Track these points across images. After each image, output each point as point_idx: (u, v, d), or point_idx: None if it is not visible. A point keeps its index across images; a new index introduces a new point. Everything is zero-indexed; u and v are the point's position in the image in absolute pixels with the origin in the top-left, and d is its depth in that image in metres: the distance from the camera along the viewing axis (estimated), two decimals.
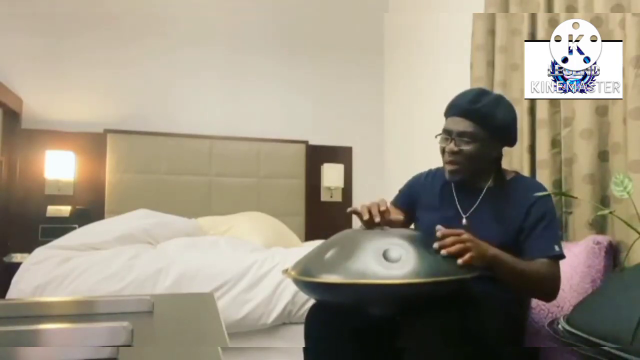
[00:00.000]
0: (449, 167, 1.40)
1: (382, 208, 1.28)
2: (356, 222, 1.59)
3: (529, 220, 1.34)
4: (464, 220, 1.42)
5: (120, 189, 3.25)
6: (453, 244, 1.16)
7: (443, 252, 1.15)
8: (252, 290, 2.16)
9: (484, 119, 1.36)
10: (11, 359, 0.63)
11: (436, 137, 1.44)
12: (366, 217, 1.26)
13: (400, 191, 1.62)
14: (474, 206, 1.42)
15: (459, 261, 1.14)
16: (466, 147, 1.36)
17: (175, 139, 3.43)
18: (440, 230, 1.20)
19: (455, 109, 1.40)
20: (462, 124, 1.37)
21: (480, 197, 1.42)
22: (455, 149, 1.37)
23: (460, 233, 1.20)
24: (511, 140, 1.46)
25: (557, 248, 1.31)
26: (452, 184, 1.48)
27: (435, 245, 1.17)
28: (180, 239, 2.61)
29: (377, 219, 1.26)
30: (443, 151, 1.42)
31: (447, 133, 1.40)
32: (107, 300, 1.04)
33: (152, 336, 0.83)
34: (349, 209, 1.34)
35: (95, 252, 2.35)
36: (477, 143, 1.36)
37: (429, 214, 1.49)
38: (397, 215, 1.43)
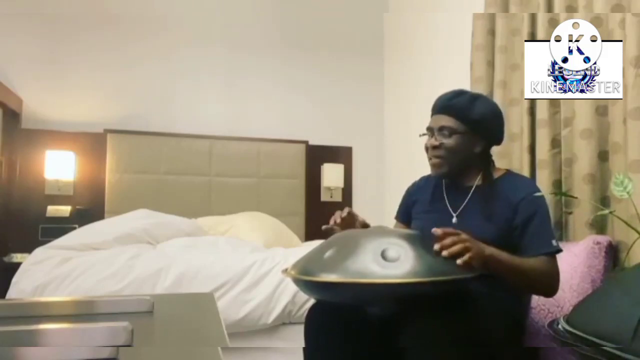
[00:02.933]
0: (431, 162, 1.46)
1: (343, 215, 1.42)
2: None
3: (520, 218, 1.34)
4: (453, 219, 1.43)
5: (120, 189, 3.25)
6: (453, 244, 1.16)
7: (444, 253, 1.15)
8: (252, 290, 2.16)
9: (461, 113, 1.41)
10: (11, 359, 0.63)
11: (420, 136, 1.50)
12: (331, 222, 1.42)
13: (399, 206, 1.66)
14: (463, 205, 1.43)
15: (459, 261, 1.14)
16: (446, 141, 1.41)
17: (175, 139, 3.43)
18: (437, 231, 1.19)
19: (435, 107, 1.47)
20: (441, 120, 1.43)
21: (469, 196, 1.44)
22: (436, 143, 1.42)
23: (458, 233, 1.20)
24: (494, 137, 1.49)
25: (554, 243, 1.32)
26: (443, 185, 1.50)
27: (436, 246, 1.17)
28: (180, 239, 2.62)
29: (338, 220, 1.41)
30: (427, 149, 1.47)
31: (429, 130, 1.46)
32: (107, 300, 1.04)
33: (152, 336, 0.83)
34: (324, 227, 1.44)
35: (95, 252, 2.35)
36: (456, 136, 1.41)
37: (421, 215, 1.53)
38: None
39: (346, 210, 1.42)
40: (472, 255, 1.15)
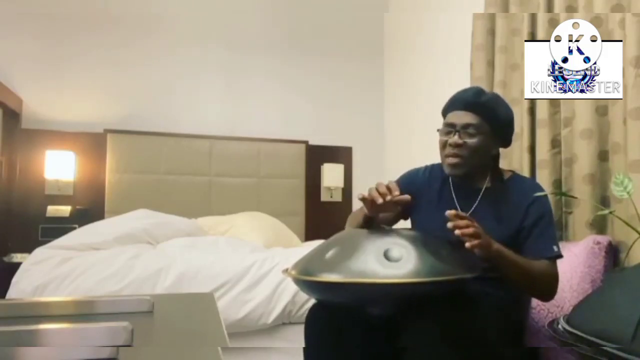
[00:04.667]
0: (450, 161, 1.39)
1: (392, 187, 1.28)
2: None
3: (528, 220, 1.34)
4: None
5: (120, 189, 3.25)
6: (467, 226, 1.15)
7: (457, 232, 1.14)
8: (252, 290, 2.16)
9: (488, 112, 1.38)
10: (11, 359, 0.63)
11: (438, 130, 1.44)
12: (380, 200, 1.26)
13: (397, 180, 1.56)
14: (473, 207, 1.42)
15: (467, 244, 1.13)
16: (470, 140, 1.36)
17: (175, 139, 3.43)
18: (451, 213, 1.17)
19: (458, 103, 1.41)
20: (466, 117, 1.38)
21: (479, 198, 1.42)
22: (460, 141, 1.37)
23: (471, 219, 1.19)
24: (508, 140, 1.48)
25: (555, 248, 1.32)
26: (451, 185, 1.48)
27: (450, 224, 1.15)
28: (180, 239, 2.61)
29: (388, 197, 1.26)
30: (444, 145, 1.40)
31: (450, 126, 1.39)
32: (107, 300, 1.04)
33: (152, 336, 0.83)
34: (359, 196, 1.31)
35: (95, 252, 2.34)
36: (481, 136, 1.37)
37: (428, 214, 1.48)
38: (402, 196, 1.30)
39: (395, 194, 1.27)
40: (482, 242, 1.15)
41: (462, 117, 1.38)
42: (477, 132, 1.36)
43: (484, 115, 1.37)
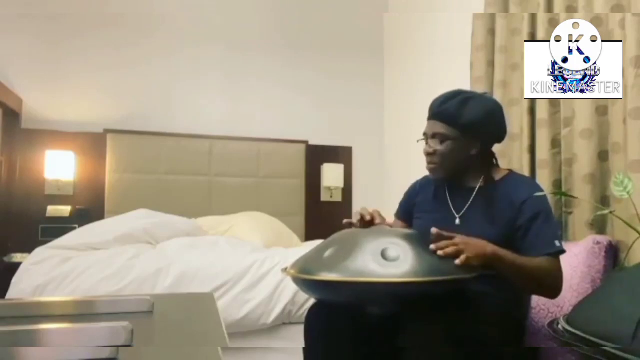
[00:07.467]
0: (428, 167, 1.47)
1: (375, 215, 1.39)
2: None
3: (523, 218, 1.34)
4: (457, 220, 1.43)
5: (120, 189, 3.25)
6: (447, 247, 1.18)
7: (440, 253, 1.17)
8: (252, 290, 2.16)
9: (451, 119, 1.40)
10: (11, 359, 0.63)
11: (418, 141, 1.50)
12: (368, 218, 1.39)
13: (400, 204, 1.66)
14: (466, 206, 1.43)
15: (456, 262, 1.15)
16: (439, 147, 1.41)
17: (175, 139, 3.43)
18: (433, 230, 1.21)
19: (429, 112, 1.47)
20: (434, 126, 1.43)
21: (472, 197, 1.43)
22: (430, 150, 1.43)
23: (452, 237, 1.21)
24: (491, 137, 1.46)
25: (557, 243, 1.31)
26: (445, 186, 1.50)
27: (432, 246, 1.19)
28: (180, 239, 2.61)
29: (368, 218, 1.38)
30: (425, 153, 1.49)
31: (424, 135, 1.47)
32: (107, 300, 1.04)
33: (152, 336, 0.83)
34: (345, 221, 1.42)
35: (95, 252, 2.35)
36: (448, 142, 1.40)
37: (424, 215, 1.52)
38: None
39: (373, 216, 1.40)
40: (469, 255, 1.16)
41: (430, 127, 1.45)
42: (444, 139, 1.41)
43: (448, 122, 1.40)
